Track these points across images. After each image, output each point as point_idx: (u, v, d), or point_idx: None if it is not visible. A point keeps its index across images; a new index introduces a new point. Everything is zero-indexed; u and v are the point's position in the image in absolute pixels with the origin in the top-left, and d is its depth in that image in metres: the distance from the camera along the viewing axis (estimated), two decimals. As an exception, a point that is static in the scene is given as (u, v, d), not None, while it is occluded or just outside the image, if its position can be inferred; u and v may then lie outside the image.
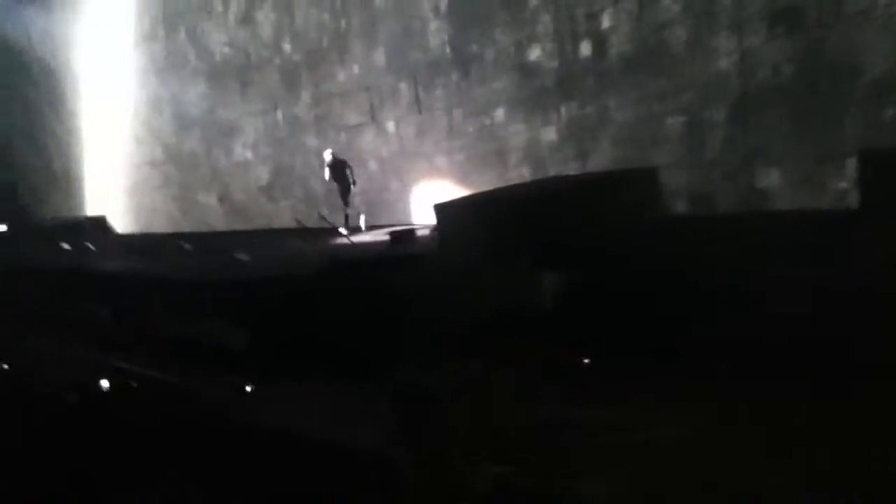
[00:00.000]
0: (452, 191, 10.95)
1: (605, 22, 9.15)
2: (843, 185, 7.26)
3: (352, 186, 12.41)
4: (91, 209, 21.18)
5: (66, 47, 21.10)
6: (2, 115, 24.43)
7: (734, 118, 8.03)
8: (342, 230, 11.97)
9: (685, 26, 8.38)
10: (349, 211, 12.50)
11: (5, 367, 10.05)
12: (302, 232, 12.35)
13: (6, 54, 22.80)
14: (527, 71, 10.05)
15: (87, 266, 13.63)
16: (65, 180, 22.33)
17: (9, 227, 19.57)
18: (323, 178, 12.70)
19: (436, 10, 11.30)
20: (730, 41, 8.03)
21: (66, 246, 16.00)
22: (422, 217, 11.22)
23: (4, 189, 23.49)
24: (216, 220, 16.75)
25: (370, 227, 12.27)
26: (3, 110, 24.35)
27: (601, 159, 9.29)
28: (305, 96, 13.88)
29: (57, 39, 21.45)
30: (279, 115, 14.58)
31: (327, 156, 12.46)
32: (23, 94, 23.17)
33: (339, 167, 12.35)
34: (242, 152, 15.68)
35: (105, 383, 8.23)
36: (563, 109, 9.65)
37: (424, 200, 11.26)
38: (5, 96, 24.04)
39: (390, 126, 12.30)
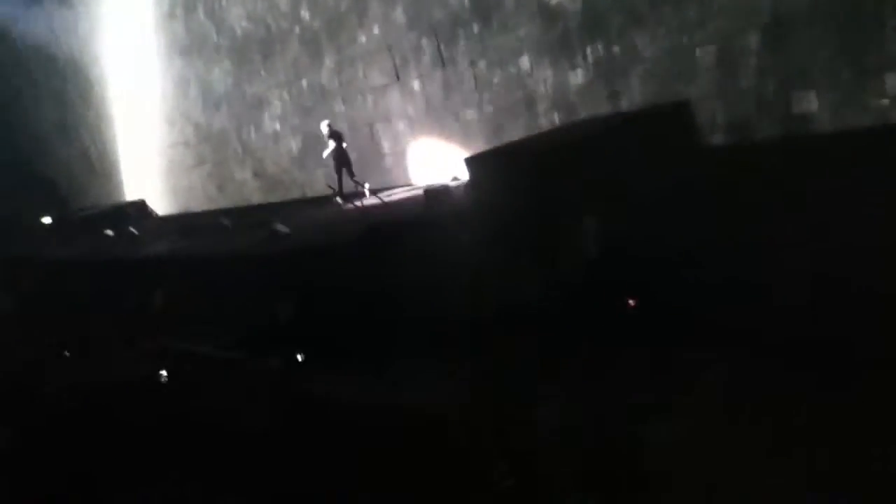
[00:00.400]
0: (482, 144, 10.91)
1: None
2: (885, 101, 7.05)
3: (348, 158, 12.38)
4: (129, 193, 21.58)
5: (89, 36, 21.29)
6: (34, 110, 24.89)
7: (767, 43, 7.80)
8: (372, 192, 12.03)
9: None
10: (355, 179, 12.40)
11: (66, 354, 10.44)
12: (336, 196, 12.47)
13: (32, 50, 23.16)
14: (549, 15, 9.87)
15: (132, 251, 13.96)
16: (101, 167, 22.76)
17: (53, 219, 20.05)
18: (326, 148, 12.57)
19: (452, -40, 11.12)
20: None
21: (109, 232, 16.38)
22: (453, 173, 11.22)
23: (45, 182, 24.03)
24: (252, 194, 16.97)
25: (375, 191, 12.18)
26: (35, 105, 24.81)
27: (633, 98, 9.14)
28: (328, 62, 13.85)
29: (80, 29, 21.66)
30: (304, 83, 14.59)
31: (324, 128, 12.42)
32: (52, 87, 23.53)
33: (336, 140, 12.31)
34: (271, 124, 15.78)
35: (163, 371, 8.48)
36: (589, 51, 9.48)
37: (454, 156, 11.25)
38: (35, 91, 24.48)
39: (415, 84, 12.24)
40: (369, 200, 12.00)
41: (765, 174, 7.06)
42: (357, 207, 11.59)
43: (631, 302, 6.08)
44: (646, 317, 5.83)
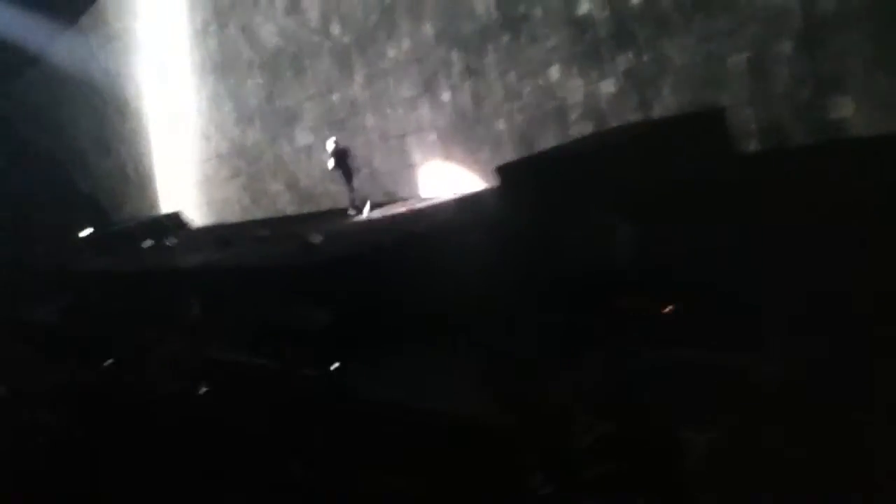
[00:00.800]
0: (512, 155, 10.96)
1: (655, -35, 8.92)
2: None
3: (354, 172, 13.04)
4: (165, 206, 21.98)
5: (125, 53, 21.80)
6: (73, 126, 25.53)
7: (801, 48, 7.75)
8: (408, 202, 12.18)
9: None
10: (354, 195, 13.09)
11: (109, 361, 10.67)
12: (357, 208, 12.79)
13: (70, 68, 23.81)
14: (578, 25, 9.91)
15: (169, 262, 14.24)
16: (138, 181, 23.25)
17: (91, 232, 20.53)
18: (327, 167, 13.39)
19: (480, -27, 11.23)
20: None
21: (147, 244, 16.75)
22: (485, 183, 11.29)
23: (84, 196, 24.63)
24: (286, 205, 17.20)
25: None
26: (74, 121, 25.44)
27: (664, 107, 9.12)
28: (358, 76, 14.02)
29: (115, 48, 22.19)
30: (335, 97, 14.78)
31: (330, 144, 13.02)
32: (90, 103, 24.13)
33: (341, 155, 12.96)
34: (304, 138, 15.99)
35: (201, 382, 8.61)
36: (619, 60, 9.49)
37: (484, 166, 11.31)
38: (74, 108, 25.11)
39: (445, 96, 12.34)
40: (398, 209, 12.15)
41: (799, 181, 6.99)
42: (387, 217, 11.73)
43: (668, 307, 6.06)
44: (680, 322, 5.81)
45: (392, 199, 12.81)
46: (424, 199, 12.48)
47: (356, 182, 13.17)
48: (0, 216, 24.32)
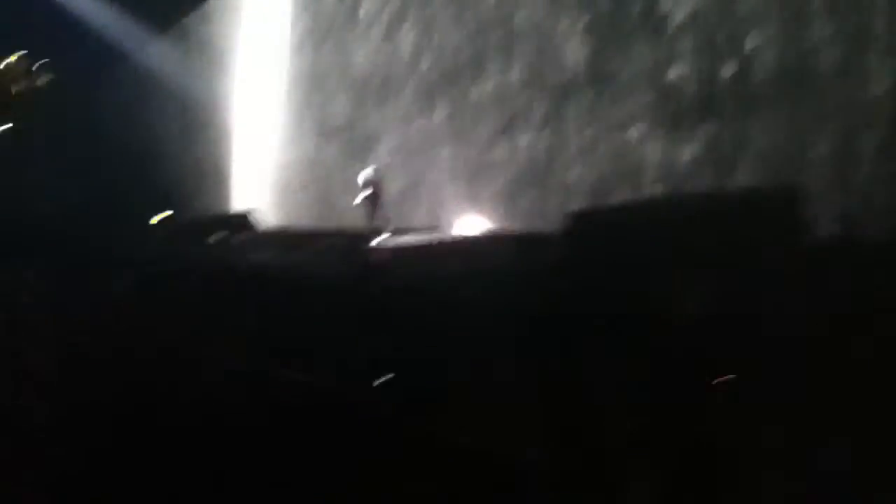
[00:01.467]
0: (583, 205, 11.08)
1: (749, 44, 9.04)
2: None
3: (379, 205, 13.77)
4: (238, 205, 22.67)
5: (222, 52, 22.78)
6: (158, 125, 26.72)
7: (887, 145, 7.73)
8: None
9: (835, 49, 8.16)
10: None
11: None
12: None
13: (161, 71, 25.05)
14: (664, 91, 10.06)
15: (231, 262, 14.63)
16: (215, 180, 24.06)
17: (159, 223, 21.25)
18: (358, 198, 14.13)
19: (574, 27, 11.50)
20: (884, 63, 7.75)
21: (215, 238, 17.31)
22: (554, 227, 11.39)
23: (162, 191, 25.56)
24: (354, 221, 17.59)
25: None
26: (160, 119, 26.62)
27: (741, 182, 9.15)
28: (440, 111, 14.40)
29: (214, 45, 23.21)
30: (414, 129, 15.19)
31: (366, 174, 13.95)
32: (178, 104, 25.23)
33: (373, 187, 13.72)
34: (378, 163, 16.41)
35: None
36: (701, 130, 9.59)
37: (551, 216, 11.45)
38: (161, 107, 26.31)
39: (522, 141, 12.58)
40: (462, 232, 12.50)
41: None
42: (456, 240, 11.97)
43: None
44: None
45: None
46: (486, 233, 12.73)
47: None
48: (86, 204, 25.66)
